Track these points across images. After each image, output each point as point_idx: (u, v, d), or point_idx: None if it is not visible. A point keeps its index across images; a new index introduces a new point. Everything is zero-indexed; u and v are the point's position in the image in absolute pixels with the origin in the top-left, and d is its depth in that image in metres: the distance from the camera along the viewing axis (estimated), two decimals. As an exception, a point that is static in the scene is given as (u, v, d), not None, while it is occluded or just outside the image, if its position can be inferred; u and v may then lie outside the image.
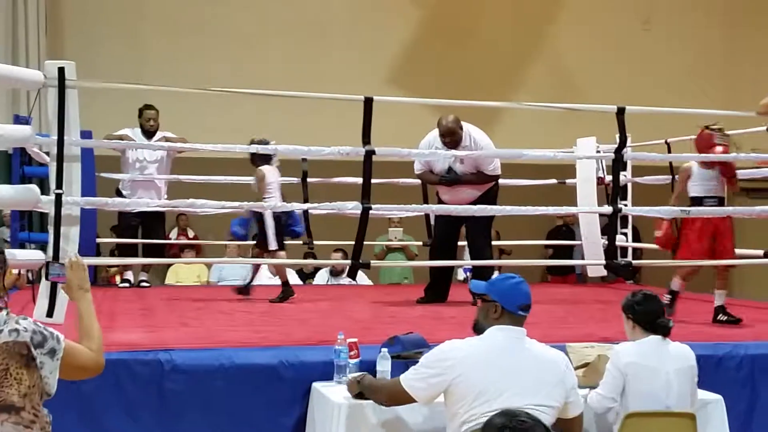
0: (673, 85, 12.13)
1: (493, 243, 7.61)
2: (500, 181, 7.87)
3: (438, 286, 7.20)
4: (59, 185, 4.80)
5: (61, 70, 4.83)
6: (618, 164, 6.25)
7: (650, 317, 4.14)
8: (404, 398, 3.84)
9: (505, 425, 2.33)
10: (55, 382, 2.86)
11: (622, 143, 6.04)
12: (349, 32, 11.93)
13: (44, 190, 5.06)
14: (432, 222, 7.87)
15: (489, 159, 6.90)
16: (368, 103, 5.48)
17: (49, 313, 4.60)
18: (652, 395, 3.95)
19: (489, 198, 6.94)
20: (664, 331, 4.13)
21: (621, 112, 5.95)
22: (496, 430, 2.33)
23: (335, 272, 9.70)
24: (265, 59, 11.41)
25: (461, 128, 6.80)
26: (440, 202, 7.03)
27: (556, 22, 12.61)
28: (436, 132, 6.88)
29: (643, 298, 4.19)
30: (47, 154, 5.61)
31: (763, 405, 4.87)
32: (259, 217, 6.94)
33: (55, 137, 4.82)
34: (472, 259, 7.02)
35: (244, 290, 7.38)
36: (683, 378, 4.05)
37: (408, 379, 3.80)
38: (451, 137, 6.74)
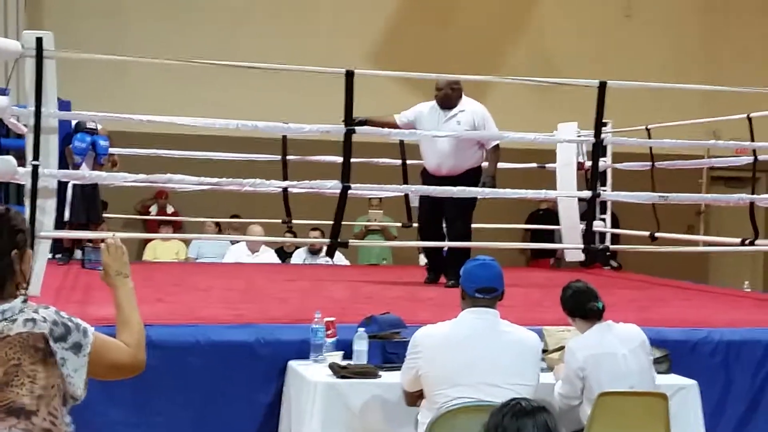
0: (653, 72, 12.15)
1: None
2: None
3: (438, 266, 7.02)
4: (36, 157, 4.76)
5: (39, 41, 4.78)
6: (598, 149, 6.27)
7: (581, 306, 4.17)
8: (406, 393, 3.93)
9: (505, 405, 2.37)
10: (83, 383, 2.41)
11: (600, 118, 6.04)
12: (333, 11, 11.87)
13: (22, 163, 5.01)
14: (413, 204, 7.82)
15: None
16: (350, 76, 5.45)
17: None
18: (614, 379, 3.99)
19: (472, 178, 6.69)
20: (596, 315, 4.15)
21: (603, 86, 5.98)
22: (497, 411, 2.38)
23: (313, 251, 9.70)
24: (249, 37, 11.32)
25: (455, 89, 6.65)
26: (425, 179, 6.92)
27: (538, 6, 12.60)
28: (430, 103, 6.76)
29: (571, 292, 4.23)
30: (25, 125, 5.55)
31: (736, 391, 4.91)
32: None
33: (32, 108, 4.78)
34: (449, 239, 6.90)
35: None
36: (639, 356, 4.10)
37: (400, 376, 3.90)
38: (441, 92, 6.62)
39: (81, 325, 2.44)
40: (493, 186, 6.62)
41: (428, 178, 6.75)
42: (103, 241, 2.67)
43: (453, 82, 6.63)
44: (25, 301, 2.42)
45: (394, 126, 6.67)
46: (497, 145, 6.80)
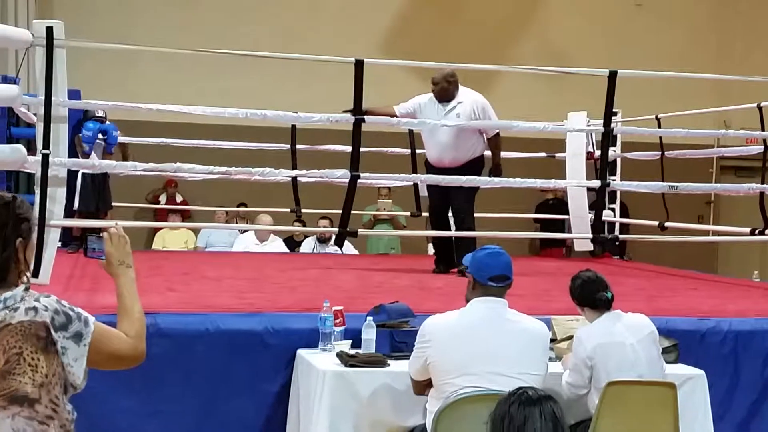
0: (662, 63, 12.11)
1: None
2: (489, 153, 7.86)
3: (446, 257, 6.99)
4: (46, 146, 4.77)
5: (49, 30, 4.79)
6: (607, 138, 6.25)
7: (590, 296, 4.17)
8: (414, 382, 3.92)
9: (512, 394, 2.39)
10: (83, 372, 2.42)
11: (610, 108, 6.03)
12: (342, 4, 11.85)
13: (32, 151, 5.03)
14: (422, 193, 7.81)
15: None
16: (359, 66, 5.44)
17: (34, 274, 4.58)
18: (622, 369, 3.99)
19: (475, 168, 6.71)
20: (605, 304, 4.15)
21: (613, 75, 5.96)
22: (504, 400, 2.39)
23: (322, 240, 9.72)
24: (257, 30, 11.31)
25: (451, 82, 6.61)
26: (428, 171, 6.91)
27: (547, -1, 12.57)
28: (427, 95, 6.74)
29: (580, 281, 4.23)
30: (35, 114, 5.57)
31: (744, 381, 4.91)
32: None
33: (43, 97, 4.79)
34: (456, 229, 6.90)
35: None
36: (647, 346, 4.10)
37: (408, 365, 3.90)
38: (438, 86, 6.61)
39: (82, 315, 2.44)
40: (499, 175, 6.62)
41: (431, 169, 6.76)
42: (105, 230, 2.66)
43: (449, 75, 6.62)
44: (26, 289, 2.42)
45: (394, 117, 6.67)
46: (497, 134, 6.80)
